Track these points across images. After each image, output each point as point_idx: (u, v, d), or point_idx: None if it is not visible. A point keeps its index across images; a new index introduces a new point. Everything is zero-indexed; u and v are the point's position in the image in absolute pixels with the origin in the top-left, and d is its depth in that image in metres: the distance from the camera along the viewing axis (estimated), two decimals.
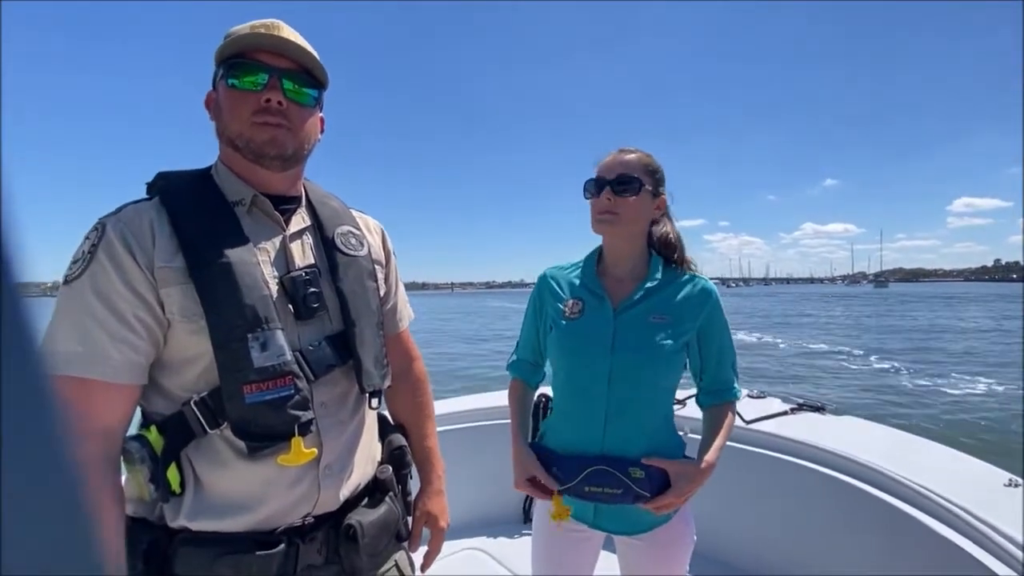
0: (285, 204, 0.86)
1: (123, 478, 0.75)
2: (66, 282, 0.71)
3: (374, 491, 0.92)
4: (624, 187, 1.06)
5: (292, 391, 0.75)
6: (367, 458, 0.91)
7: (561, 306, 1.14)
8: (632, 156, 1.09)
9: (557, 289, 1.18)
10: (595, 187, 1.09)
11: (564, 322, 1.12)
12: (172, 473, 0.73)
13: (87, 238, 0.73)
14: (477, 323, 32.43)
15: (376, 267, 0.96)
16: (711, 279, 1.13)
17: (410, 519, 1.00)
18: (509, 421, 1.19)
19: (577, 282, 1.16)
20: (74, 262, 0.72)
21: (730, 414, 1.12)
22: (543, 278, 1.22)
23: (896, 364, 11.99)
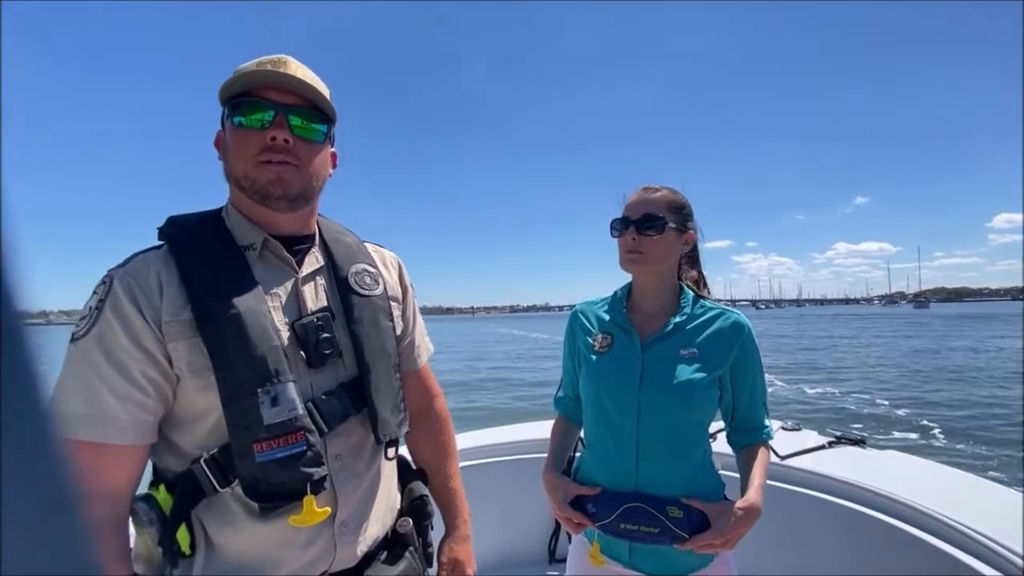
0: (298, 244, 0.85)
1: (132, 538, 0.73)
2: (73, 340, 0.70)
3: (394, 544, 0.90)
4: (648, 226, 1.07)
5: (304, 447, 0.72)
6: (386, 509, 0.89)
7: (590, 340, 1.16)
8: (657, 194, 1.11)
9: (587, 324, 1.19)
10: (621, 226, 1.11)
11: (593, 356, 1.13)
12: (182, 534, 0.70)
13: (95, 292, 0.72)
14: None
15: (392, 304, 0.93)
16: (740, 301, 1.11)
17: (431, 571, 0.96)
18: (528, 456, 1.16)
19: (606, 317, 1.17)
20: (81, 319, 0.71)
21: (765, 452, 1.09)
22: (574, 314, 1.24)
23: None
